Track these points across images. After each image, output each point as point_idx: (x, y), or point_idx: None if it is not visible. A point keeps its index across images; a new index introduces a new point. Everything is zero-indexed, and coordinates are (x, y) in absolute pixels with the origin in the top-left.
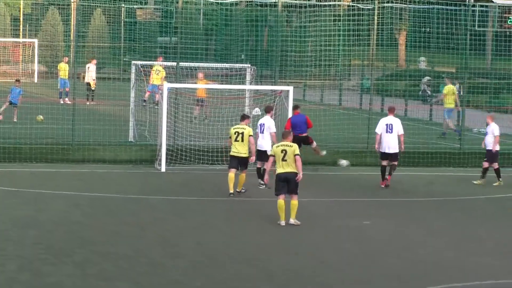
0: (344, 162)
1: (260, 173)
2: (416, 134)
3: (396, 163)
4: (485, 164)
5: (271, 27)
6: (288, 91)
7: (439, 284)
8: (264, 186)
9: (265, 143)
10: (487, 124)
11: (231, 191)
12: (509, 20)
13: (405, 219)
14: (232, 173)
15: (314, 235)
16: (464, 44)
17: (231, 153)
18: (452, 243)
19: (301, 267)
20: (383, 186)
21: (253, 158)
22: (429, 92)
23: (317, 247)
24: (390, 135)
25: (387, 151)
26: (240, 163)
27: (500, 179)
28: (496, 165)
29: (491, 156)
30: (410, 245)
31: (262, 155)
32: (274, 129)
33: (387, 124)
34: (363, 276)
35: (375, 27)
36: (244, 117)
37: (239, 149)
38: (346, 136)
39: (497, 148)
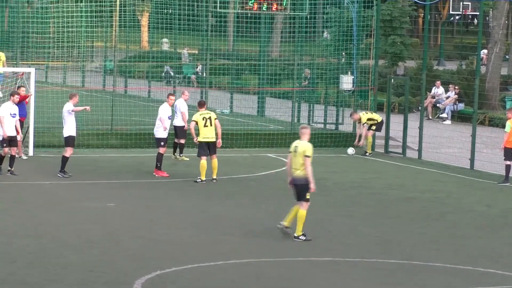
0: (350, 150)
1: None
2: None
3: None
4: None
5: (12, 8)
6: (30, 73)
7: (184, 265)
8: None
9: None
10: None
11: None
12: (250, 1)
13: (147, 200)
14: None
15: (55, 217)
16: (205, 26)
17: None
18: (194, 222)
19: (42, 249)
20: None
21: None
22: (171, 73)
23: (58, 229)
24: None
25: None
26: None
27: (182, 155)
28: (182, 141)
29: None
30: (152, 226)
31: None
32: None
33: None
34: (105, 257)
35: (117, 8)
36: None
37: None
38: (90, 118)
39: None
